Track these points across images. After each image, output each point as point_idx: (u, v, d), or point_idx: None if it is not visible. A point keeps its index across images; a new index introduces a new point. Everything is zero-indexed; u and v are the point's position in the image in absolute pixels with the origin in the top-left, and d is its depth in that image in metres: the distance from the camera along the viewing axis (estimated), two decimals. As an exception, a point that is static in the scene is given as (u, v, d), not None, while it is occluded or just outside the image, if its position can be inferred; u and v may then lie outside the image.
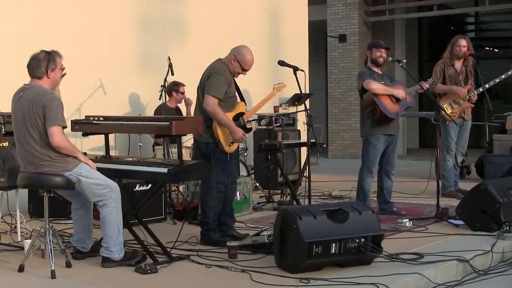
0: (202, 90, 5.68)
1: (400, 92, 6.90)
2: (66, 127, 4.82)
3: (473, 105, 8.24)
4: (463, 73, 8.20)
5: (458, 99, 8.07)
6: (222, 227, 5.82)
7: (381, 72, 7.06)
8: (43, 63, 4.84)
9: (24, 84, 4.92)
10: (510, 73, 8.06)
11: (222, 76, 5.59)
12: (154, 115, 8.25)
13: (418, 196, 8.27)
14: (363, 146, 7.06)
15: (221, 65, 5.70)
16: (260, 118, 8.99)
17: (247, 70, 5.78)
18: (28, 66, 4.88)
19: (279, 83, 6.37)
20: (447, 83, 8.13)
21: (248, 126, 5.97)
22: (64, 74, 5.03)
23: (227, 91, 5.61)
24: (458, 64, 8.18)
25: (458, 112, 8.08)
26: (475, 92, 8.08)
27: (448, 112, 7.85)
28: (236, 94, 5.84)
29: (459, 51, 8.08)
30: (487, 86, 7.99)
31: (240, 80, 5.94)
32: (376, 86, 6.79)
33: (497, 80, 8.13)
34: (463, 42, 8.10)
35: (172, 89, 8.33)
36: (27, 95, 4.79)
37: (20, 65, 7.23)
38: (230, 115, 5.68)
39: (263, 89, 6.34)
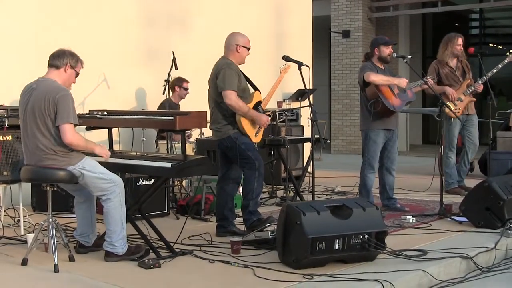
0: (214, 90, 5.73)
1: (402, 81, 6.85)
2: (78, 125, 4.83)
3: (474, 99, 8.24)
4: (459, 69, 8.20)
5: (459, 95, 8.05)
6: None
7: (383, 68, 7.01)
8: (67, 56, 4.89)
9: (38, 77, 4.92)
10: (506, 61, 8.03)
11: (229, 70, 5.67)
12: (157, 110, 8.24)
13: (421, 192, 8.25)
14: (363, 142, 7.04)
15: (225, 61, 5.79)
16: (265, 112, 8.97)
17: (250, 48, 5.95)
18: (52, 55, 4.92)
19: (283, 65, 6.44)
20: (444, 81, 8.13)
21: (267, 114, 6.09)
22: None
23: (239, 82, 5.68)
24: (453, 62, 8.16)
25: (462, 108, 8.06)
26: (478, 83, 8.07)
27: (452, 109, 7.84)
28: (248, 85, 5.91)
29: (459, 50, 8.09)
30: (489, 74, 8.00)
31: (247, 75, 5.95)
32: (376, 78, 6.74)
33: (494, 70, 8.07)
34: (461, 41, 8.12)
35: (176, 84, 8.33)
36: (40, 88, 4.79)
37: (23, 60, 7.29)
38: (250, 106, 5.77)
39: (269, 83, 6.33)
